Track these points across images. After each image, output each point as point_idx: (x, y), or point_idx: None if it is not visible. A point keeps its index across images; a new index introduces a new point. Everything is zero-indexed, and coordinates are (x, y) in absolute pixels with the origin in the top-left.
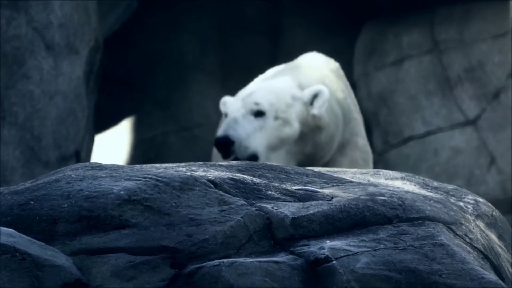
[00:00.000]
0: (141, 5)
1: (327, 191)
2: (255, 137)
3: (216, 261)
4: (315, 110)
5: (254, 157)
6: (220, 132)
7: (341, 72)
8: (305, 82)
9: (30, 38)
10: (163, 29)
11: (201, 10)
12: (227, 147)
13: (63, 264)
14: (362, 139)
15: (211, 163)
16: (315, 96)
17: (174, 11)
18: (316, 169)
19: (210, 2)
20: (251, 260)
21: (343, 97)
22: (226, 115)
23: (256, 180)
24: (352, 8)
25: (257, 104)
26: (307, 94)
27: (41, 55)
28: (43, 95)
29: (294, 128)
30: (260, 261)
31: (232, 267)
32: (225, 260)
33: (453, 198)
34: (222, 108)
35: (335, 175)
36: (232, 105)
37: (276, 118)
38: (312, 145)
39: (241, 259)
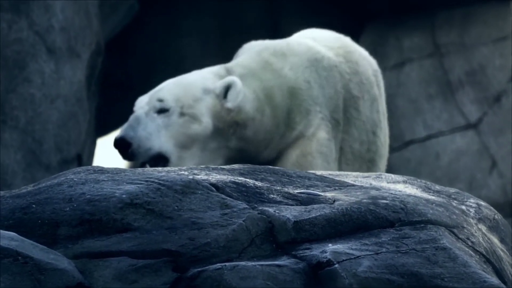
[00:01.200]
0: (141, 8)
1: (329, 194)
2: (159, 136)
3: (218, 264)
4: (229, 103)
5: (161, 158)
6: (118, 133)
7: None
8: (234, 70)
9: (32, 42)
10: (164, 32)
11: (201, 13)
12: (124, 149)
13: (65, 267)
14: (324, 133)
15: (213, 166)
16: (227, 88)
17: (174, 14)
18: (318, 172)
19: (211, 5)
20: (253, 263)
21: (292, 87)
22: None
23: (258, 183)
24: (353, 11)
25: (160, 100)
26: (218, 86)
27: (42, 58)
28: (44, 99)
29: (204, 124)
30: (262, 265)
31: (234, 271)
32: (227, 264)
33: (455, 201)
34: None
35: (337, 178)
36: (139, 102)
37: (182, 114)
38: (238, 140)
39: (243, 263)
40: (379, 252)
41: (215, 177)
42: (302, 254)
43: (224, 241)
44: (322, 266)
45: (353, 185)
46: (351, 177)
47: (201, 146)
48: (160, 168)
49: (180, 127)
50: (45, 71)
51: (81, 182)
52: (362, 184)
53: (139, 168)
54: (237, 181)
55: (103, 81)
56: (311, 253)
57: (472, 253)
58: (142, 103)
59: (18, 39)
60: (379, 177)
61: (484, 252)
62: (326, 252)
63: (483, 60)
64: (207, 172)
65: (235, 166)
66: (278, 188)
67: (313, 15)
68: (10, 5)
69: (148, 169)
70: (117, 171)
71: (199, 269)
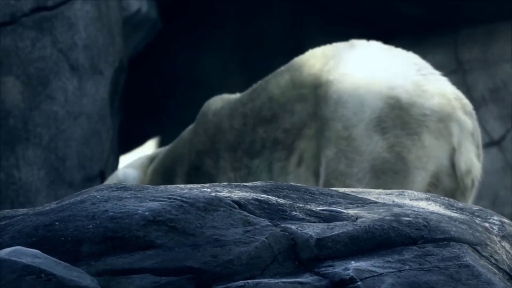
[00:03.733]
0: (164, 26)
1: (351, 211)
2: None
3: (241, 282)
4: None
5: None
6: None
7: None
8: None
9: (55, 59)
10: (187, 50)
11: (224, 32)
12: None
13: (88, 285)
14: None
15: (235, 183)
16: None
17: (197, 32)
18: (341, 189)
19: (233, 23)
20: (276, 281)
21: None
22: None
23: (281, 200)
24: (375, 29)
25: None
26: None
27: (65, 76)
28: (67, 116)
29: None
30: (285, 282)
31: None
32: (250, 281)
33: (478, 219)
34: None
35: (359, 195)
36: None
37: None
38: None
39: (265, 280)
40: (402, 269)
41: (237, 194)
42: (324, 271)
43: (246, 258)
44: (345, 283)
45: (376, 202)
46: (373, 194)
47: None
48: (182, 185)
49: None
50: (68, 89)
51: (104, 199)
52: (384, 202)
53: (161, 186)
54: (259, 198)
55: (126, 98)
56: (334, 270)
57: (495, 270)
58: None
59: (42, 56)
60: (401, 194)
61: (507, 270)
62: (348, 270)
63: (506, 77)
64: (230, 189)
65: (258, 183)
66: (301, 205)
67: (336, 33)
68: (34, 22)
69: (171, 186)
70: (139, 188)
71: (221, 286)
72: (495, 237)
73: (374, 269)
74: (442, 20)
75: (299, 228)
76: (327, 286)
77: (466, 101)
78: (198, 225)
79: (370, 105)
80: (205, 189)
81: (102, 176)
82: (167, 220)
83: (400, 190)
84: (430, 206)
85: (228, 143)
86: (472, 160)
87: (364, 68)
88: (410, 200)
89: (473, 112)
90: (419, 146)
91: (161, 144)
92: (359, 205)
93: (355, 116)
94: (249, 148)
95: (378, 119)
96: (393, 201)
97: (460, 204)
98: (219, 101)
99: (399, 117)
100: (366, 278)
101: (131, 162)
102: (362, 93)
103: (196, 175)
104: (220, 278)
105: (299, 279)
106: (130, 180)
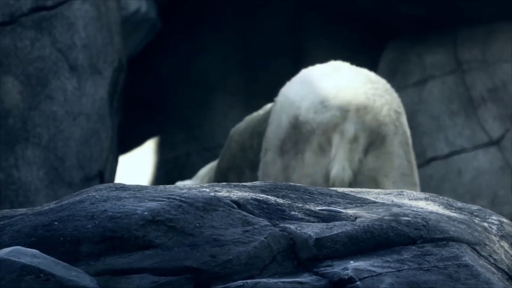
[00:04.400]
0: (164, 26)
1: (350, 211)
2: None
3: (240, 281)
4: None
5: None
6: None
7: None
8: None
9: (54, 59)
10: (186, 50)
11: (224, 32)
12: None
13: (87, 285)
14: None
15: (234, 183)
16: None
17: (196, 32)
18: (340, 189)
19: (233, 23)
20: (275, 280)
21: None
22: None
23: (280, 200)
24: (374, 29)
25: None
26: None
27: (64, 76)
28: (66, 116)
29: None
30: (284, 282)
31: None
32: (249, 281)
33: (477, 218)
34: None
35: (358, 195)
36: None
37: None
38: None
39: (264, 280)
40: (401, 269)
41: (236, 194)
42: (323, 271)
43: (245, 258)
44: (344, 283)
45: (375, 202)
46: (372, 194)
47: None
48: (181, 185)
49: None
50: (67, 88)
51: (103, 199)
52: (383, 201)
53: (160, 186)
54: (258, 198)
55: (125, 98)
56: (333, 270)
57: (494, 270)
58: None
59: (41, 56)
60: (400, 194)
61: (506, 269)
62: (347, 269)
63: (505, 77)
64: (229, 189)
65: (257, 183)
66: (300, 205)
67: (335, 33)
68: (33, 22)
69: (170, 187)
70: (138, 188)
71: (220, 286)
72: (494, 237)
73: (373, 269)
74: (441, 20)
75: (298, 228)
76: (326, 286)
77: (381, 108)
78: (197, 225)
79: (281, 126)
80: (204, 189)
81: (101, 176)
82: (166, 220)
83: (399, 190)
84: (429, 206)
85: (249, 161)
86: (343, 168)
87: (294, 89)
88: (409, 200)
89: (386, 117)
90: (301, 165)
91: (160, 144)
92: (358, 205)
93: (273, 138)
94: (257, 168)
95: (282, 141)
96: (392, 201)
97: (459, 204)
98: (243, 124)
99: (294, 136)
100: (365, 278)
101: (200, 170)
102: (280, 114)
103: None
104: (219, 278)
105: (298, 279)
106: None
